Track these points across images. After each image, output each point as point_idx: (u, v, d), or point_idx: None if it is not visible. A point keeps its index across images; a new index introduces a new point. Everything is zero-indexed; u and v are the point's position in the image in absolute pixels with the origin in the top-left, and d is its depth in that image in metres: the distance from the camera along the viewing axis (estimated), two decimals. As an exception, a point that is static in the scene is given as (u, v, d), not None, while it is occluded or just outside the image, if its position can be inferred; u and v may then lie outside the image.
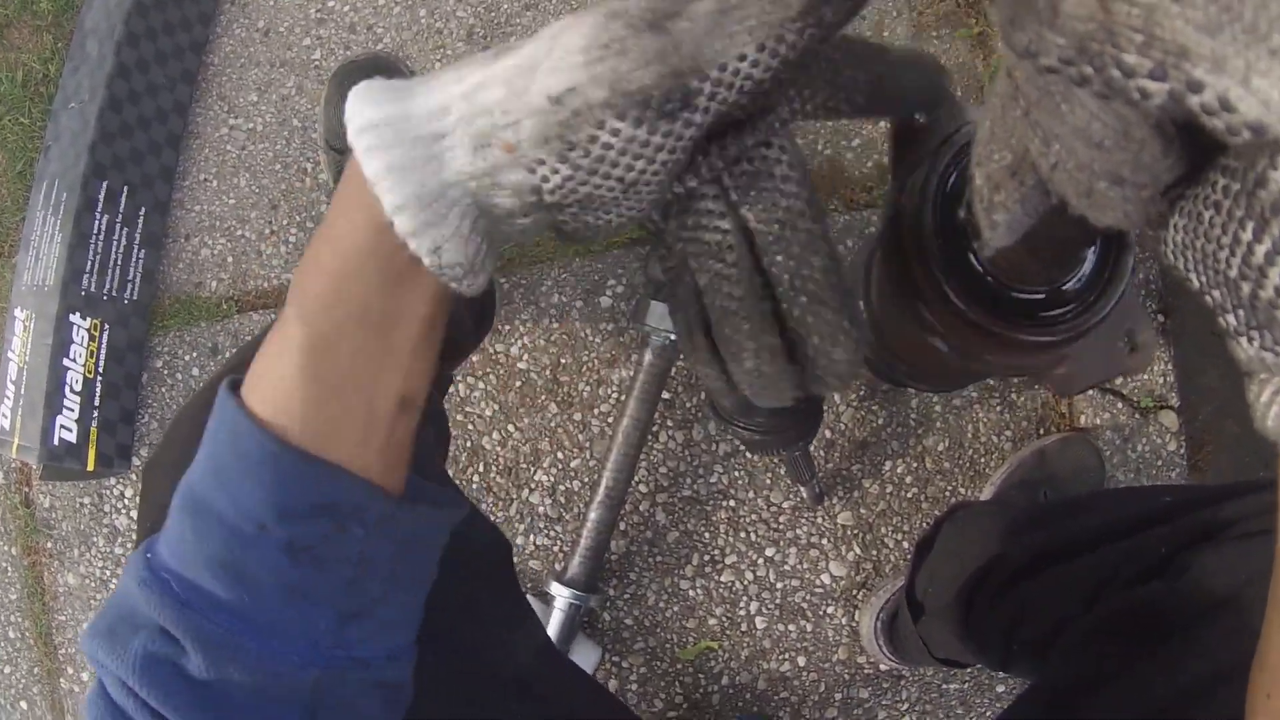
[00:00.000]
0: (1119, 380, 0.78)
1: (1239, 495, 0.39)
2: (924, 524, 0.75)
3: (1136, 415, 0.77)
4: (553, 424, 0.75)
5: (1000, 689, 0.75)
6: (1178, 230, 0.16)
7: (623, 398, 0.74)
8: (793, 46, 0.19)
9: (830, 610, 0.74)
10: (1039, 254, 0.24)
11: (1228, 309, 0.16)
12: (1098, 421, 0.76)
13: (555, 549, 0.75)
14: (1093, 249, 0.27)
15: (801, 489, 0.72)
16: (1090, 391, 0.77)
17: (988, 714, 0.75)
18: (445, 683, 0.30)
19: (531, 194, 0.21)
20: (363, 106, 0.21)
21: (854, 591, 0.74)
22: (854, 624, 0.74)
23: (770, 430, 0.64)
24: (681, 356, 0.74)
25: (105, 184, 0.78)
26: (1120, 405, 0.77)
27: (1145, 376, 0.78)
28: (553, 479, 0.75)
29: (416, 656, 0.28)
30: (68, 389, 0.76)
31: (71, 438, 0.76)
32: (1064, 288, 0.27)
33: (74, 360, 0.77)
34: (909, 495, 0.75)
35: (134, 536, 0.81)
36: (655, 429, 0.73)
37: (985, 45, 0.80)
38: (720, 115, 0.20)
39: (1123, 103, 0.15)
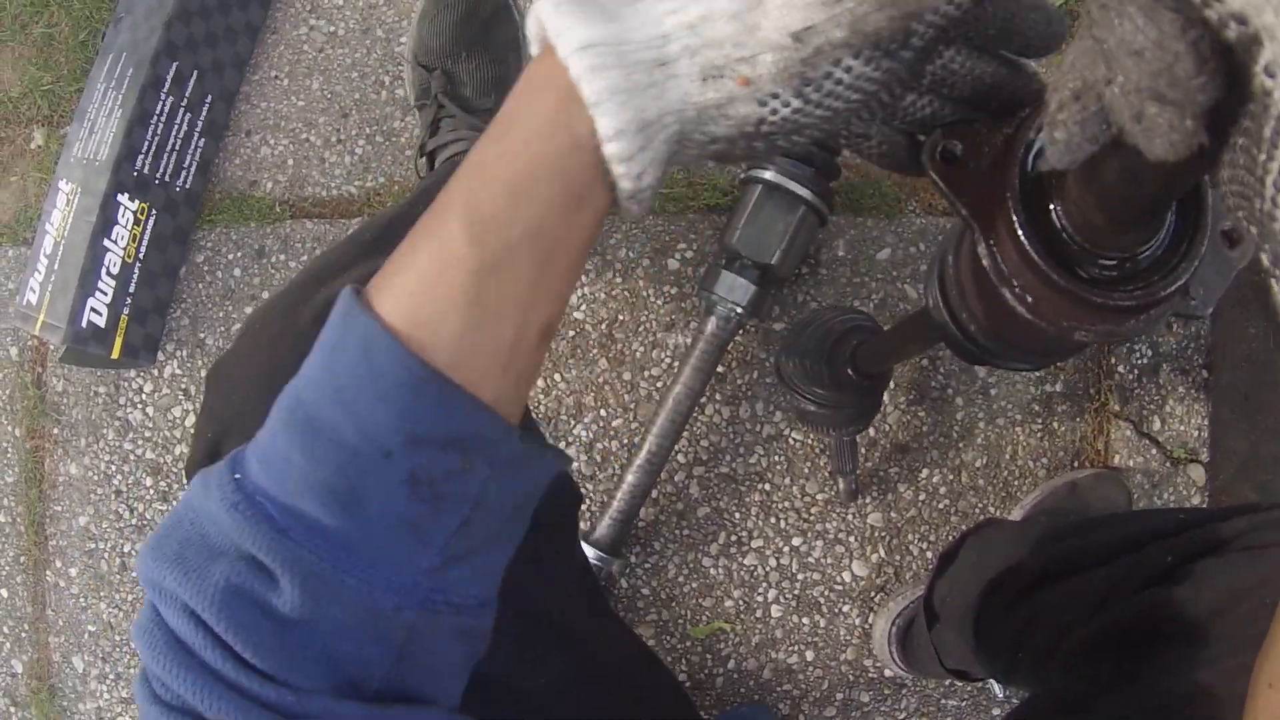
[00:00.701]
0: (1156, 426, 0.78)
1: (1250, 512, 0.39)
2: (950, 536, 0.75)
3: (1168, 464, 0.78)
4: (600, 380, 0.74)
5: (996, 711, 0.75)
6: (1224, 168, 0.18)
7: (675, 364, 0.73)
8: None
9: (846, 609, 0.74)
10: (1108, 209, 0.25)
11: (1263, 245, 0.17)
12: (1131, 464, 0.77)
13: (585, 507, 0.74)
14: (1169, 223, 0.28)
15: (839, 481, 0.71)
16: (1129, 433, 0.78)
17: (980, 735, 0.75)
18: (503, 632, 0.29)
19: (753, 125, 0.22)
20: (573, 23, 0.20)
21: (872, 593, 0.74)
22: (867, 626, 0.74)
23: (830, 405, 0.63)
24: (742, 331, 0.72)
25: (175, 64, 0.75)
26: (1154, 451, 0.78)
27: (1182, 427, 0.79)
28: (592, 435, 0.74)
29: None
30: (104, 271, 0.73)
31: (100, 322, 0.73)
32: (1141, 255, 0.28)
33: (115, 242, 0.74)
34: (940, 506, 0.75)
35: (145, 434, 0.79)
36: (703, 401, 0.72)
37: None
38: (922, 53, 0.22)
39: (1163, 15, 0.16)
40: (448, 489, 0.22)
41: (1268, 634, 0.26)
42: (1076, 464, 0.77)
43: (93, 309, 0.73)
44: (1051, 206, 0.27)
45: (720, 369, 0.73)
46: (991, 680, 0.71)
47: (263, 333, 0.35)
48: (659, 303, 0.74)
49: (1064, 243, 0.27)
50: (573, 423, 0.74)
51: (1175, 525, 0.42)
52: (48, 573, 0.81)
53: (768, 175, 0.64)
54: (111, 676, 0.79)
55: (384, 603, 0.22)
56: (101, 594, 0.80)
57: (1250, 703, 0.26)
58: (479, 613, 0.25)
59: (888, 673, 0.73)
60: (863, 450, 0.73)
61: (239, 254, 0.78)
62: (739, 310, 0.66)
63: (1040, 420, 0.76)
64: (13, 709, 0.81)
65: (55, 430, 0.81)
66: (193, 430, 0.36)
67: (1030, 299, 0.28)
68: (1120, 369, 0.77)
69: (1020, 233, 0.26)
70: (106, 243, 0.73)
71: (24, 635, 0.81)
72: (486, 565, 0.25)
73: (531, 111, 0.21)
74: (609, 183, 0.22)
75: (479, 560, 0.24)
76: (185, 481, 0.79)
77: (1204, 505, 0.78)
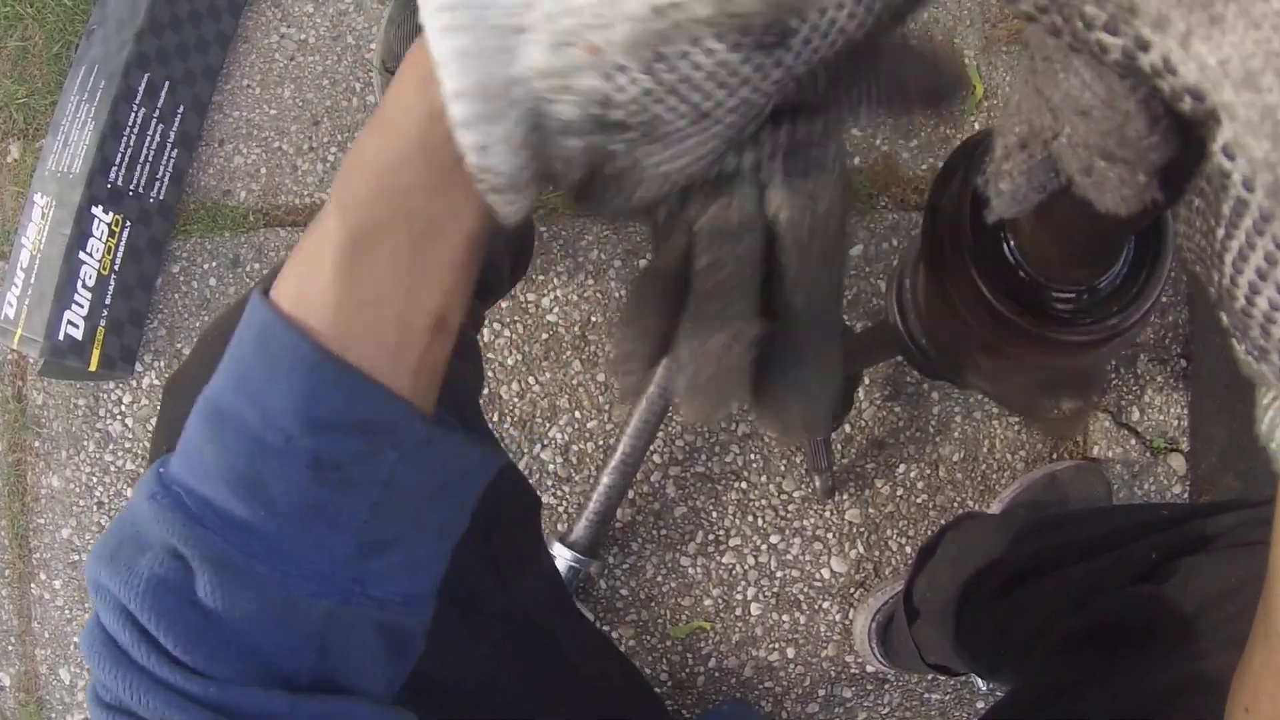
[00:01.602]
0: (1135, 416, 0.78)
1: (1235, 509, 0.39)
2: (929, 531, 0.75)
3: (1148, 454, 0.78)
4: (574, 382, 0.74)
5: (979, 704, 0.75)
6: (1180, 222, 0.17)
7: (649, 365, 0.74)
8: (886, 5, 0.19)
9: (826, 605, 0.74)
10: (1060, 245, 0.24)
11: (1222, 306, 0.16)
12: (1110, 454, 0.77)
13: (561, 509, 0.74)
14: (1126, 253, 0.27)
15: (815, 478, 0.71)
16: (1107, 424, 0.78)
17: (964, 729, 0.75)
18: (457, 637, 0.29)
19: (598, 105, 0.20)
20: None
21: (851, 590, 0.74)
22: (847, 622, 0.74)
23: None
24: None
25: (147, 76, 0.75)
26: (1134, 441, 0.78)
27: (1161, 417, 0.79)
28: (567, 438, 0.74)
29: (434, 608, 0.27)
30: (80, 284, 0.74)
31: (77, 334, 0.74)
32: (1098, 287, 0.27)
33: (90, 254, 0.74)
34: (918, 501, 0.75)
35: (125, 445, 0.79)
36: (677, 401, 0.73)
37: (1050, 66, 0.80)
38: (804, 68, 0.19)
39: (1110, 72, 0.15)
40: (355, 473, 0.22)
41: (1243, 654, 0.26)
42: (1055, 456, 0.77)
43: (69, 322, 0.73)
44: (1005, 240, 0.26)
45: (694, 368, 0.73)
46: (974, 675, 0.72)
47: (214, 345, 0.35)
48: (632, 303, 0.74)
49: (1018, 277, 0.26)
50: (548, 425, 0.74)
51: (1159, 521, 0.42)
52: (32, 585, 0.81)
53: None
54: (97, 687, 0.80)
55: (297, 590, 0.22)
56: (86, 605, 0.80)
57: None
58: (405, 611, 0.25)
59: (870, 668, 0.73)
60: (838, 447, 0.73)
61: (214, 264, 0.78)
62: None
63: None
64: (1, 721, 0.82)
65: (36, 443, 0.81)
66: (151, 440, 0.36)
67: (988, 337, 0.27)
68: (1098, 360, 0.77)
69: (974, 273, 0.26)
70: (82, 255, 0.74)
71: (11, 648, 0.81)
72: (409, 558, 0.25)
73: (403, 82, 0.21)
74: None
75: (400, 552, 0.24)
76: None
77: (1185, 495, 0.78)
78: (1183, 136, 0.16)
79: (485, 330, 0.75)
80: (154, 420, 0.78)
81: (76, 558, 0.80)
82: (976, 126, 0.78)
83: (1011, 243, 0.26)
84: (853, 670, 0.74)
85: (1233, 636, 0.32)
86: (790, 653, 0.74)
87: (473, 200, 0.21)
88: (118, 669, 0.22)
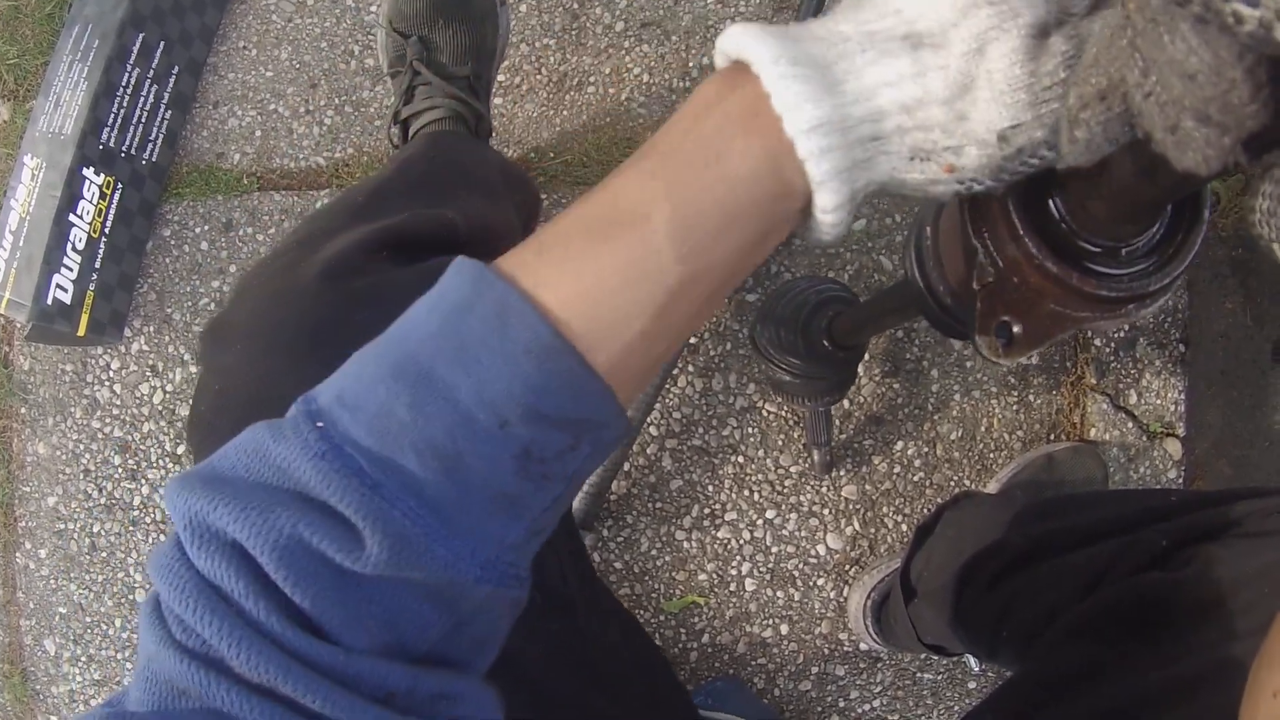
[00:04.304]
0: (1133, 400, 0.78)
1: (1248, 498, 0.39)
2: (925, 509, 0.74)
3: (1144, 438, 0.77)
4: (571, 353, 0.74)
5: (971, 684, 0.75)
6: (1266, 198, 0.17)
7: (647, 337, 0.73)
8: None
9: (820, 582, 0.73)
10: (1112, 200, 0.24)
11: None
12: (1107, 437, 0.76)
13: (555, 480, 0.73)
14: (1165, 217, 0.27)
15: (814, 453, 0.71)
16: (1105, 406, 0.77)
17: (956, 708, 0.75)
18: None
19: (949, 195, 0.24)
20: (799, 98, 0.21)
21: (847, 567, 0.74)
22: (841, 599, 0.73)
23: (806, 375, 0.62)
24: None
25: (142, 35, 0.74)
26: (1130, 425, 0.77)
27: (1158, 402, 0.79)
28: (563, 408, 0.74)
29: None
30: (70, 247, 0.72)
31: (66, 298, 0.72)
32: (1132, 246, 0.27)
33: (80, 217, 0.73)
34: (915, 479, 0.74)
35: (113, 412, 0.78)
36: (675, 373, 0.72)
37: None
38: None
39: (1220, 38, 0.16)
40: (553, 468, 0.22)
41: (1270, 634, 0.26)
42: (1052, 437, 0.77)
43: (58, 285, 0.72)
44: (1051, 195, 0.26)
45: (693, 340, 0.72)
46: (969, 655, 0.71)
47: (262, 291, 0.35)
48: (631, 274, 0.74)
49: (1058, 230, 0.26)
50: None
51: (1167, 508, 0.42)
52: (18, 555, 0.80)
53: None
54: (84, 659, 0.79)
55: (466, 574, 0.21)
56: (71, 575, 0.79)
57: (1250, 706, 0.25)
58: (528, 583, 0.24)
59: (863, 646, 0.73)
60: (836, 422, 0.73)
61: (206, 227, 0.77)
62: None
63: (1016, 393, 0.76)
64: (-16, 692, 0.80)
65: (23, 410, 0.80)
66: (196, 385, 0.34)
67: (1019, 282, 0.27)
68: (1097, 343, 0.77)
69: (1018, 224, 0.26)
70: (72, 218, 0.72)
71: (-6, 617, 0.80)
72: (546, 537, 0.24)
73: (746, 152, 0.22)
74: (793, 229, 0.24)
75: (548, 532, 0.24)
76: (185, 439, 0.79)
77: (1180, 479, 0.78)
78: None
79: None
80: (142, 386, 0.77)
81: (62, 526, 0.79)
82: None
83: (1056, 195, 0.26)
84: (846, 648, 0.73)
85: (1251, 625, 0.32)
86: (784, 629, 0.73)
87: (770, 250, 0.24)
88: (215, 616, 0.20)
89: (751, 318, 0.68)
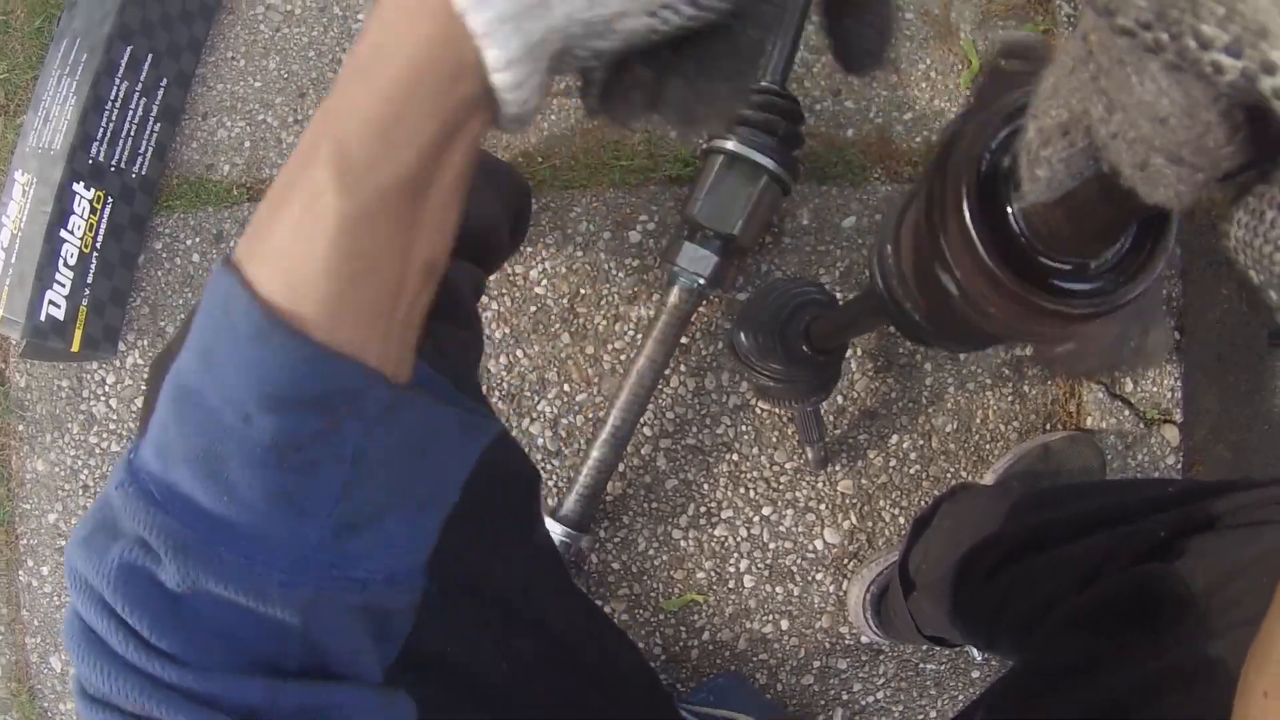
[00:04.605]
0: (1129, 388, 0.78)
1: (1245, 488, 0.39)
2: (922, 502, 0.74)
3: (1141, 425, 0.77)
4: (563, 354, 0.74)
5: (975, 674, 0.75)
6: (1240, 226, 0.17)
7: (639, 336, 0.73)
8: None
9: (819, 577, 0.73)
10: (1077, 222, 0.24)
11: None
12: (1103, 425, 0.76)
13: (550, 483, 0.74)
14: (1130, 232, 0.27)
15: (808, 450, 0.71)
16: (1100, 395, 0.77)
17: (960, 698, 0.75)
18: (451, 614, 0.28)
19: (641, 37, 0.21)
20: None
21: (845, 561, 0.74)
22: (841, 593, 0.74)
23: (787, 379, 0.63)
24: (705, 302, 0.72)
25: (130, 49, 0.74)
26: (1127, 413, 0.77)
27: (1154, 389, 0.79)
28: (556, 411, 0.74)
29: (426, 586, 0.26)
30: (62, 262, 0.73)
31: (59, 314, 0.73)
32: (1092, 264, 0.27)
33: (72, 232, 0.73)
34: (911, 471, 0.74)
35: (109, 427, 0.78)
36: (667, 373, 0.72)
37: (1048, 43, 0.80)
38: None
39: (1193, 79, 0.15)
40: (318, 453, 0.21)
41: (1259, 634, 0.25)
42: (1048, 427, 0.77)
43: (51, 302, 0.72)
44: (1010, 209, 0.26)
45: (684, 340, 0.72)
46: (970, 646, 0.71)
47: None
48: (621, 275, 0.74)
49: (1019, 245, 0.26)
50: (536, 398, 0.74)
51: (1166, 498, 0.42)
52: (20, 572, 0.80)
53: (729, 145, 0.63)
54: (86, 670, 0.79)
55: (268, 579, 0.21)
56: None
57: (1241, 707, 0.25)
58: (388, 588, 0.24)
59: (864, 639, 0.73)
60: (830, 418, 0.73)
61: (197, 239, 0.77)
62: (701, 281, 0.65)
63: (1011, 384, 0.76)
64: (-10, 708, 0.81)
65: (20, 427, 0.80)
66: (136, 423, 0.35)
67: (982, 303, 0.27)
68: (1090, 330, 0.77)
69: (976, 240, 0.26)
70: (63, 233, 0.73)
71: (0, 637, 0.80)
72: (390, 535, 0.24)
73: (405, 42, 0.20)
74: (487, 111, 0.21)
75: (379, 530, 0.23)
76: None
77: (1179, 466, 0.78)
78: (1256, 145, 0.15)
79: (474, 304, 0.74)
80: (138, 400, 0.78)
81: (64, 543, 0.79)
82: (972, 99, 0.78)
83: (1016, 212, 0.26)
84: (847, 641, 0.74)
85: (1245, 615, 0.32)
86: (784, 625, 0.73)
87: (470, 143, 0.21)
88: (97, 659, 0.21)
89: (732, 324, 0.68)
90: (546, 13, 0.19)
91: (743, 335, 0.62)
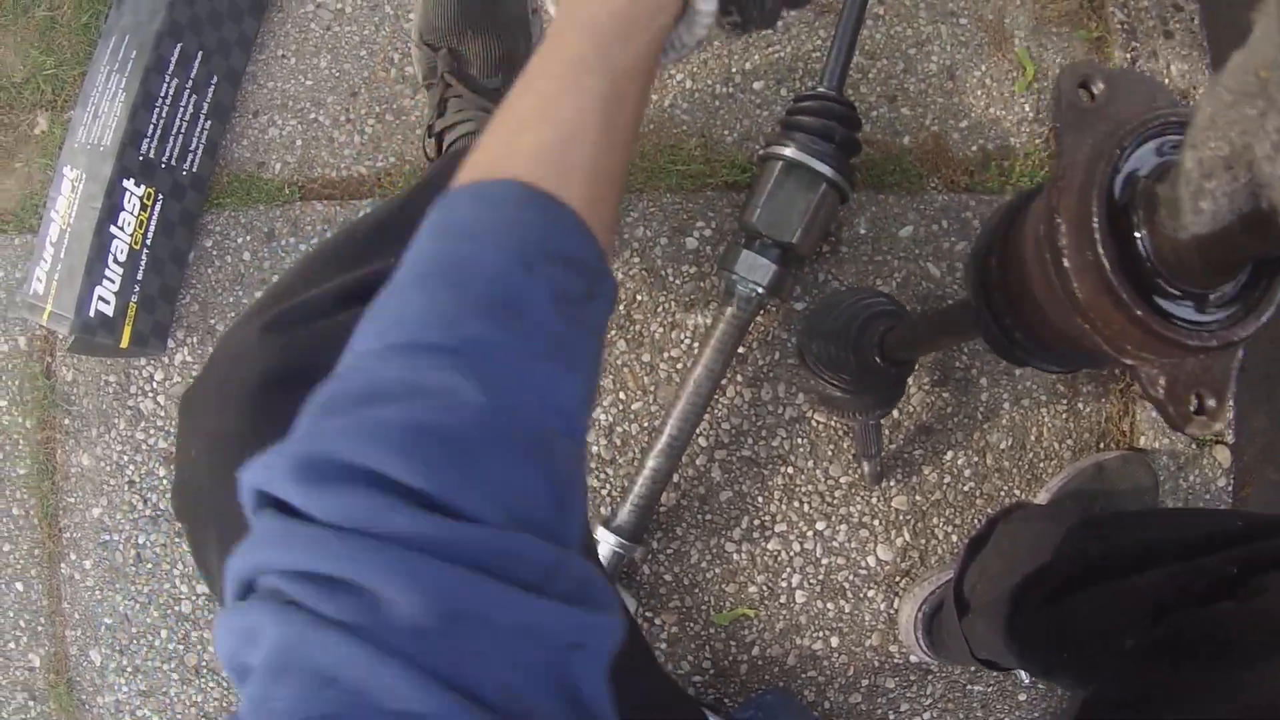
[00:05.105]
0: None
1: None
2: (976, 520, 0.73)
3: (1194, 446, 0.76)
4: (619, 362, 0.73)
5: (1022, 697, 0.74)
6: None
7: (695, 345, 0.72)
8: None
9: (871, 594, 0.73)
10: (1208, 253, 0.24)
11: None
12: (1157, 445, 0.75)
13: (605, 492, 0.73)
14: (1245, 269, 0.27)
15: (864, 464, 0.70)
16: (1154, 414, 0.76)
17: (1005, 719, 0.74)
18: None
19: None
20: None
21: (897, 578, 0.73)
22: (892, 611, 0.73)
23: (855, 390, 0.62)
24: (763, 311, 0.71)
25: (180, 45, 0.73)
26: (1180, 434, 0.76)
27: (1208, 407, 0.77)
28: (611, 419, 0.73)
29: None
30: (111, 258, 0.72)
31: (109, 310, 0.72)
32: (1211, 296, 0.27)
33: (122, 229, 0.72)
34: (965, 489, 0.73)
35: (156, 424, 0.78)
36: (724, 383, 0.71)
37: (1101, 50, 0.78)
38: None
39: None
40: (582, 313, 0.23)
41: None
42: (1102, 445, 0.75)
43: (100, 298, 0.72)
44: (1137, 235, 0.26)
45: (741, 350, 0.71)
46: (1022, 671, 0.70)
47: (222, 353, 0.34)
48: (677, 282, 0.73)
49: (1145, 271, 0.26)
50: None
51: (1235, 533, 0.41)
52: (62, 565, 0.80)
53: (787, 152, 0.62)
54: (129, 669, 0.79)
55: (548, 421, 0.21)
56: (117, 586, 0.79)
57: None
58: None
59: (913, 659, 0.72)
60: (886, 432, 0.72)
61: (248, 237, 0.77)
62: (760, 290, 0.64)
63: (1065, 401, 0.74)
64: (31, 703, 0.81)
65: (66, 421, 0.79)
66: (174, 457, 0.34)
67: (1101, 324, 0.27)
68: (1148, 348, 0.75)
69: (1106, 264, 0.25)
70: (113, 229, 0.72)
71: (40, 629, 0.80)
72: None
73: None
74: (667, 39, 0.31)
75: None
76: (171, 508, 0.78)
77: (1229, 488, 0.77)
78: None
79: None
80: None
81: (107, 537, 0.79)
82: (1026, 108, 0.76)
83: (1144, 238, 0.26)
84: (896, 660, 0.73)
85: None
86: (834, 641, 0.73)
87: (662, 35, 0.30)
88: (370, 546, 0.18)
89: (798, 329, 0.67)
90: None
91: (814, 345, 0.60)
